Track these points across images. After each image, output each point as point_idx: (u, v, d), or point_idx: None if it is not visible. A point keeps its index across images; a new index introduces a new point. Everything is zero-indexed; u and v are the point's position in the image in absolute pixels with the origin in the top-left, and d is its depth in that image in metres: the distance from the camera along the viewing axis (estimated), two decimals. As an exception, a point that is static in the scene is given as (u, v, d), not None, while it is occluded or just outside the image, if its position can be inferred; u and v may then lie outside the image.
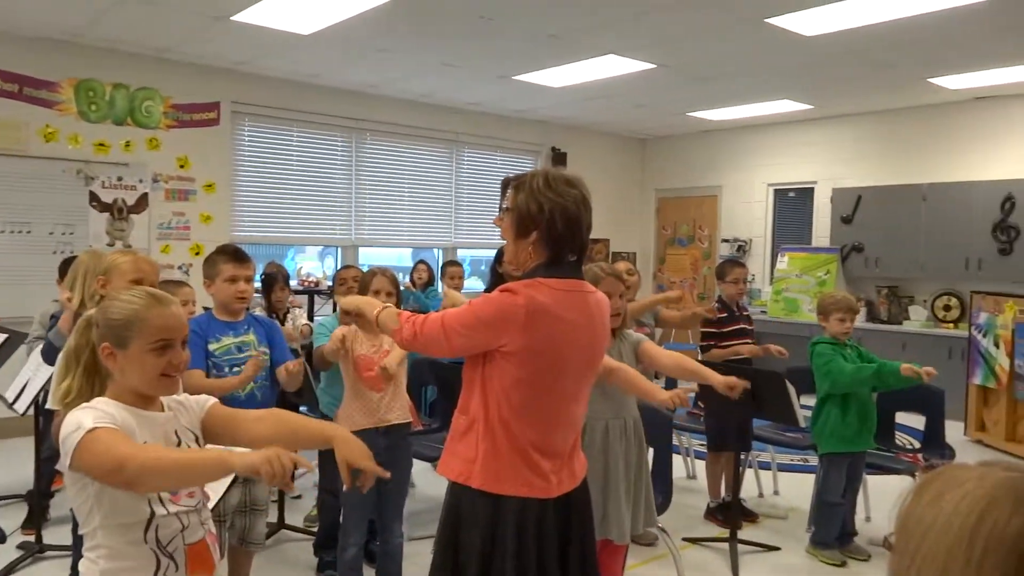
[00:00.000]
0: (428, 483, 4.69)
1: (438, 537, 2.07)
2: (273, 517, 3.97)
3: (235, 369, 2.81)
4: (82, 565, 1.59)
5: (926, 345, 7.12)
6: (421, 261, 6.44)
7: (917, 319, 7.62)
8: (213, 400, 1.75)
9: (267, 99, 6.97)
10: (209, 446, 1.69)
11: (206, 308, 3.10)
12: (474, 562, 1.97)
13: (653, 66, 6.29)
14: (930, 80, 6.64)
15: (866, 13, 4.89)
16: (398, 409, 3.09)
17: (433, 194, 8.34)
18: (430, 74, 6.79)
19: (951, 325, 7.39)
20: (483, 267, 8.54)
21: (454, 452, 2.05)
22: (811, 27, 5.20)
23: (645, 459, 3.04)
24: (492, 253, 7.47)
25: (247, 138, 7.02)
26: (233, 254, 2.91)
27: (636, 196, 10.18)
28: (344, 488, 1.65)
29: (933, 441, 4.38)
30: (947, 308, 7.52)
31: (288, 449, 1.46)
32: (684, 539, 4.06)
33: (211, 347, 2.80)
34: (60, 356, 1.73)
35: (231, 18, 5.24)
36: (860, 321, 7.04)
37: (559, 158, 8.99)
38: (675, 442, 4.90)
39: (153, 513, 1.55)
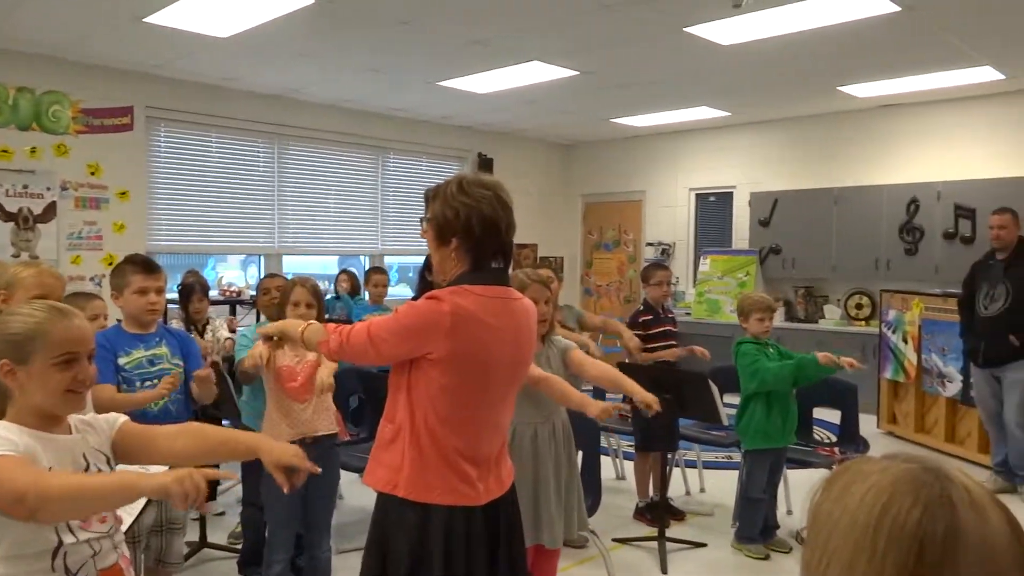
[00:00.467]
0: (356, 494, 4.61)
1: (366, 548, 2.05)
2: (194, 535, 3.85)
3: (147, 384, 2.71)
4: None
5: (841, 342, 7.40)
6: (344, 271, 6.34)
7: (832, 318, 7.93)
8: (124, 418, 1.68)
9: (184, 103, 6.75)
10: (121, 467, 1.62)
11: (118, 320, 2.98)
12: (402, 572, 1.95)
13: (576, 73, 6.37)
14: (840, 88, 6.93)
15: (779, 24, 5.07)
16: (324, 419, 3.03)
17: (358, 201, 8.23)
18: (354, 79, 6.70)
19: (863, 323, 7.72)
20: (411, 274, 8.48)
21: (380, 461, 2.02)
22: (727, 36, 5.35)
23: (575, 462, 3.06)
24: (419, 260, 7.43)
25: (163, 144, 6.78)
26: (142, 264, 2.81)
27: (563, 201, 10.29)
28: (285, 491, 1.61)
29: (848, 435, 4.56)
30: (859, 307, 7.85)
31: (210, 463, 1.41)
32: (614, 540, 4.11)
33: (121, 361, 2.69)
34: None
35: (144, 20, 5.06)
36: (779, 320, 7.28)
37: (485, 164, 9.01)
38: (603, 443, 4.97)
39: (61, 542, 1.48)
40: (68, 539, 1.49)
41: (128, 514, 2.04)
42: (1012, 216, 4.91)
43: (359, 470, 3.73)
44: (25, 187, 5.92)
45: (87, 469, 1.56)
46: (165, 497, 1.36)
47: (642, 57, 5.94)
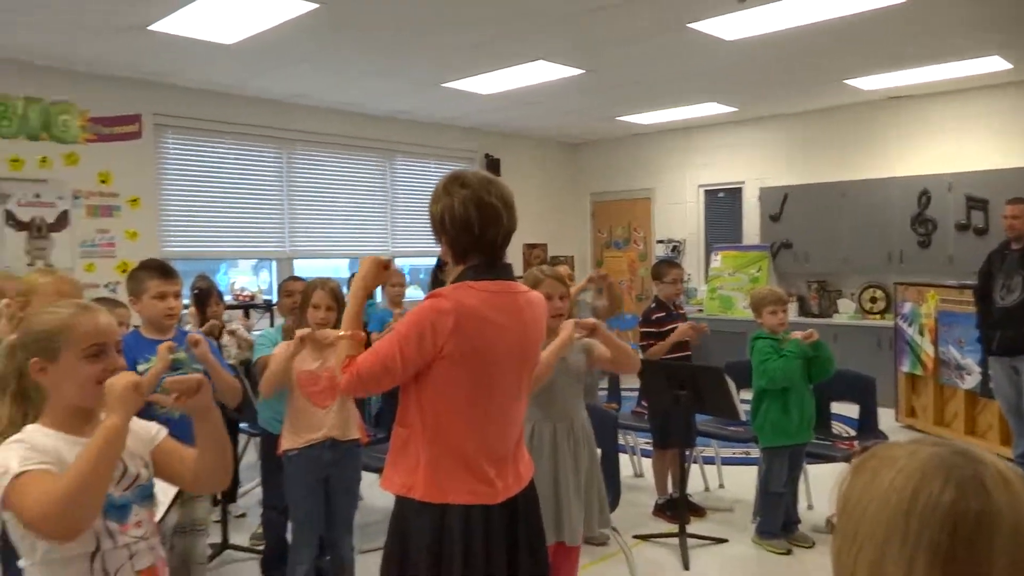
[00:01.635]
0: (376, 495, 4.61)
1: (386, 550, 2.04)
2: (217, 536, 3.85)
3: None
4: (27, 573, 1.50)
5: (856, 336, 7.38)
6: (354, 275, 6.33)
7: (846, 311, 7.89)
8: (164, 433, 1.68)
9: (191, 110, 6.77)
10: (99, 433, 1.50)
11: (135, 327, 2.99)
12: (423, 572, 1.94)
13: (581, 71, 6.37)
14: (846, 82, 6.90)
15: (783, 18, 5.05)
16: (344, 424, 3.03)
17: (368, 203, 8.24)
18: (359, 83, 6.71)
19: (878, 316, 7.68)
20: (422, 275, 8.48)
21: (395, 465, 2.02)
22: (732, 32, 5.34)
23: (596, 460, 3.05)
24: (430, 261, 7.44)
25: (172, 151, 6.80)
26: (159, 269, 2.81)
27: (571, 200, 10.28)
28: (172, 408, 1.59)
29: (867, 428, 4.53)
30: (873, 300, 7.81)
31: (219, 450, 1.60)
32: (635, 536, 4.09)
33: (140, 368, 2.69)
34: None
35: (148, 28, 5.07)
36: (793, 316, 7.25)
37: (492, 165, 9.01)
38: (621, 441, 4.95)
39: (99, 547, 1.49)
40: (107, 544, 1.50)
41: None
42: (1026, 206, 4.88)
43: (378, 471, 3.73)
44: (37, 196, 5.95)
45: (125, 472, 1.56)
46: (128, 417, 1.44)
47: (646, 54, 5.92)
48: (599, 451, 3.24)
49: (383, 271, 2.10)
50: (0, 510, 1.43)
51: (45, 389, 1.54)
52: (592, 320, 2.85)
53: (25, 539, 1.46)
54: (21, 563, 1.50)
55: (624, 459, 4.60)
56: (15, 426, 1.52)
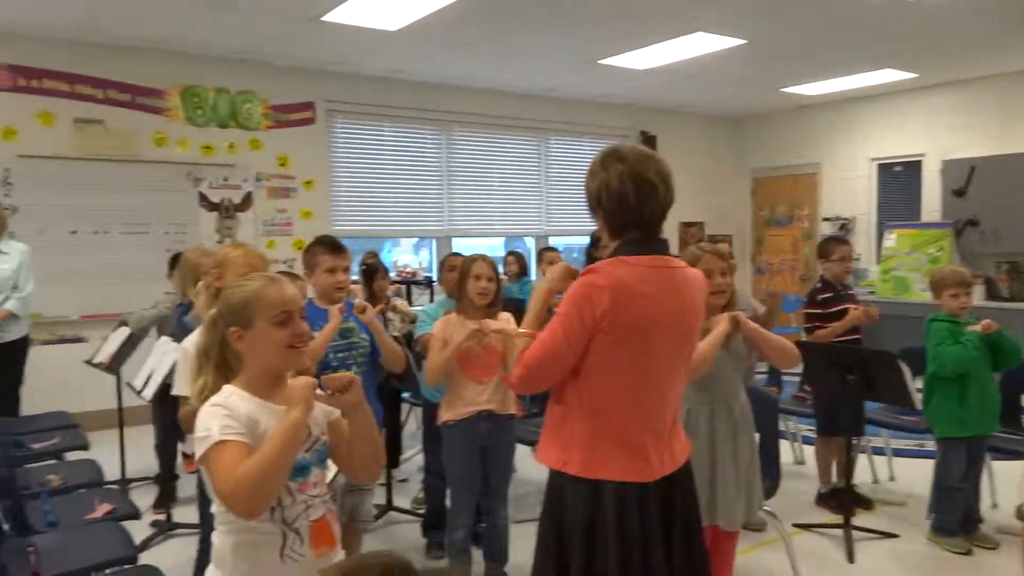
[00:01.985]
0: (531, 468, 4.71)
1: (541, 522, 2.07)
2: (381, 499, 4.09)
3: (339, 355, 2.90)
4: (215, 537, 1.68)
5: (1052, 323, 6.65)
6: (511, 252, 6.45)
7: (1041, 295, 7.13)
8: (338, 413, 1.80)
9: (358, 96, 7.14)
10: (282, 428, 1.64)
11: (309, 299, 3.21)
12: (578, 546, 1.96)
13: (743, 42, 6.10)
14: (1052, 38, 6.19)
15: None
16: (502, 399, 3.11)
17: (523, 183, 8.36)
18: (515, 63, 6.79)
19: (1080, 301, 6.88)
20: (575, 254, 8.51)
21: (551, 439, 2.04)
22: (918, -12, 4.92)
23: (755, 445, 2.95)
24: (584, 240, 7.44)
25: (341, 135, 7.21)
26: (331, 245, 2.99)
27: (731, 177, 9.92)
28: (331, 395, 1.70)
29: (1065, 423, 4.10)
30: (1075, 283, 7.00)
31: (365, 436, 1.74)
32: (795, 525, 3.94)
33: (314, 335, 2.89)
34: (192, 355, 1.84)
35: (321, 19, 5.38)
36: (979, 299, 6.64)
37: (648, 142, 8.85)
38: (782, 427, 4.76)
39: (280, 501, 1.63)
40: (287, 500, 1.65)
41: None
42: None
43: (532, 444, 3.81)
44: (225, 179, 6.53)
45: (308, 435, 1.69)
46: (308, 413, 1.60)
47: (817, 19, 5.58)
48: (757, 436, 3.14)
49: (569, 280, 2.11)
50: (198, 465, 1.62)
51: (242, 355, 1.70)
52: (737, 313, 2.75)
53: (220, 500, 1.62)
54: (213, 508, 1.67)
55: (784, 445, 4.43)
56: (216, 391, 1.69)
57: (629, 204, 1.94)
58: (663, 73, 7.11)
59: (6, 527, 2.73)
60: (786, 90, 8.13)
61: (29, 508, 2.93)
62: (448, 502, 3.37)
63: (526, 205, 8.39)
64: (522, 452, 4.00)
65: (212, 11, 5.26)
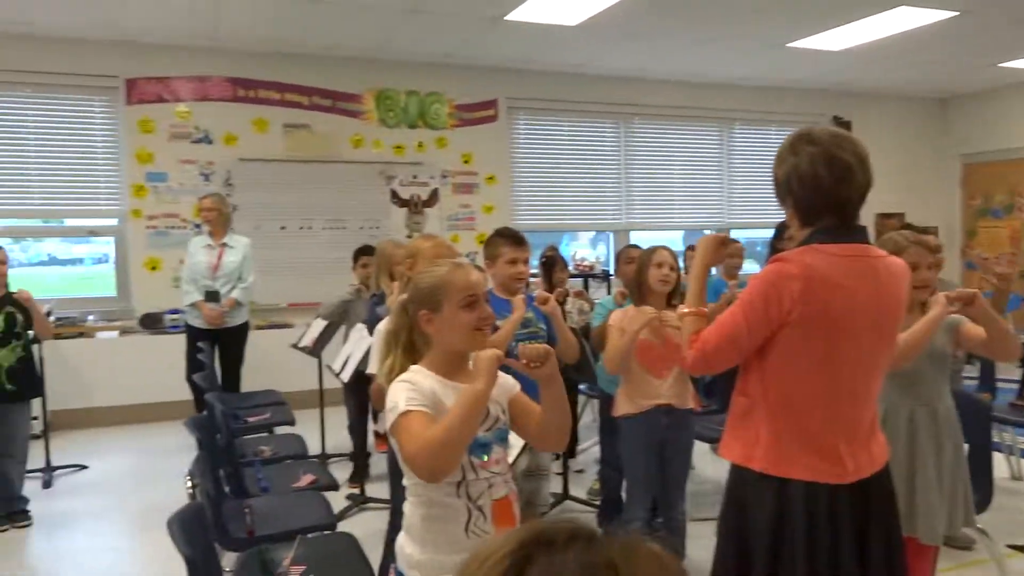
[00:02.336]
0: (708, 465, 4.60)
1: (722, 519, 2.01)
2: (558, 488, 4.17)
3: (518, 344, 2.97)
4: (406, 507, 1.80)
5: None
6: (691, 247, 6.31)
7: None
8: (518, 386, 1.87)
9: (539, 92, 7.27)
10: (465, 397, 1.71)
11: (489, 289, 3.32)
12: (762, 547, 1.88)
13: (954, 14, 5.57)
14: None
15: None
16: (681, 393, 3.07)
17: (704, 174, 8.15)
18: (697, 52, 6.62)
19: None
20: (759, 248, 8.17)
21: (735, 433, 1.97)
22: None
23: (961, 453, 2.70)
24: (767, 234, 7.12)
25: (522, 131, 7.39)
26: (512, 237, 3.07)
27: (935, 164, 9.08)
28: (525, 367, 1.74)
29: None
30: None
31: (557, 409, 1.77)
32: (1009, 546, 3.55)
33: (497, 323, 2.98)
34: (381, 337, 1.97)
35: (504, 18, 5.54)
36: None
37: (843, 128, 8.30)
38: (996, 439, 4.32)
39: (464, 476, 1.72)
40: (470, 475, 1.74)
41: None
42: None
43: (711, 440, 3.72)
44: (414, 177, 6.92)
45: (487, 415, 1.77)
46: (492, 385, 1.64)
47: (1047, -17, 4.98)
48: (966, 444, 2.87)
49: (721, 249, 2.07)
50: (389, 436, 1.73)
51: (430, 337, 1.80)
52: (971, 291, 2.49)
53: (406, 463, 1.73)
54: (404, 481, 1.78)
55: (998, 458, 4.01)
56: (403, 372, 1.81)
57: (822, 188, 1.84)
58: (860, 53, 6.65)
59: (227, 489, 3.06)
60: (1005, 65, 7.32)
61: (245, 474, 3.27)
62: (624, 494, 3.37)
63: (706, 197, 8.17)
64: (700, 449, 3.91)
65: (405, 18, 5.57)
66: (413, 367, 1.79)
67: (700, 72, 7.45)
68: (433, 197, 6.99)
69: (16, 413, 4.08)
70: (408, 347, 1.85)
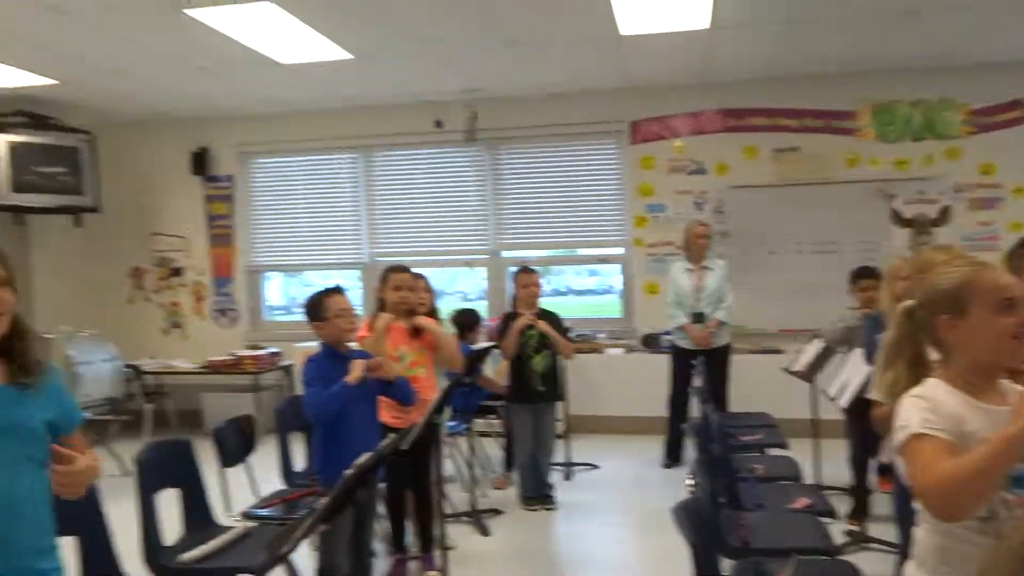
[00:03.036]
0: None
1: None
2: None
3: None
4: (918, 533, 1.61)
5: None
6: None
7: None
8: None
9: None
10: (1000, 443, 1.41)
11: None
12: None
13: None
14: None
15: None
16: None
17: None
18: None
19: None
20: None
21: None
22: None
23: None
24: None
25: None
26: None
27: None
28: None
29: None
30: None
31: None
32: None
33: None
34: (881, 349, 1.78)
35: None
36: None
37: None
38: None
39: (995, 514, 1.49)
40: (1003, 513, 1.49)
41: None
42: None
43: None
44: (920, 193, 6.28)
45: None
46: None
47: None
48: None
49: None
50: (896, 456, 1.56)
51: (949, 347, 1.58)
52: None
53: (915, 494, 1.55)
54: (914, 504, 1.57)
55: None
56: (908, 389, 1.59)
57: None
58: None
59: (722, 500, 3.16)
60: None
61: (740, 489, 3.32)
62: None
63: None
64: None
65: (900, 21, 5.13)
66: (931, 380, 1.59)
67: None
68: (942, 215, 6.24)
69: (546, 412, 4.82)
70: (914, 360, 1.65)
